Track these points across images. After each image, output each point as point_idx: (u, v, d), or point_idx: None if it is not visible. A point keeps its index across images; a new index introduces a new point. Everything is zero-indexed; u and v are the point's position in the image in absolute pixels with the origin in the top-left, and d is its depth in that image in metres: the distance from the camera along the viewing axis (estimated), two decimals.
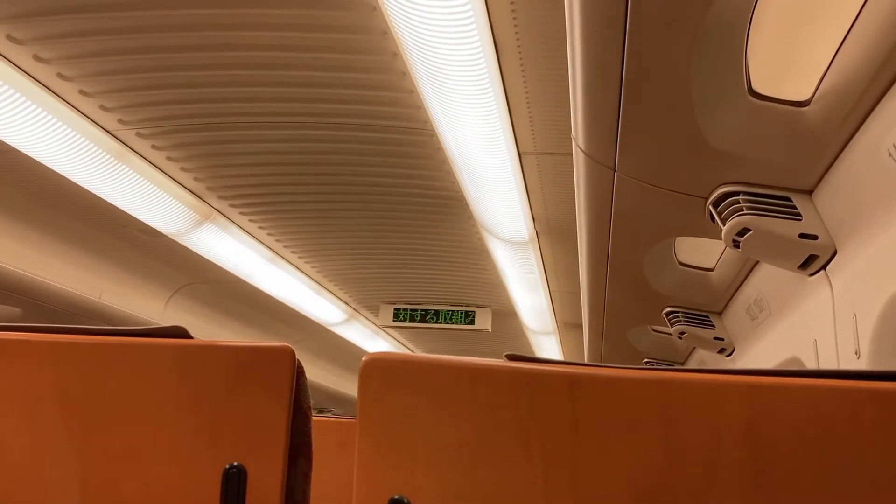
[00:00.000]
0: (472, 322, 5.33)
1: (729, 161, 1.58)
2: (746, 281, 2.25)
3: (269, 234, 4.06)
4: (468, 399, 0.67)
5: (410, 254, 4.42)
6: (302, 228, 4.01)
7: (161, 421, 0.79)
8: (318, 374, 6.60)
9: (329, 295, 5.05)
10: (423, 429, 0.68)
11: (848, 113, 1.33)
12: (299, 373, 0.83)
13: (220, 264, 4.14)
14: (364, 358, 0.71)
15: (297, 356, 0.82)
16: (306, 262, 4.51)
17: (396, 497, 0.67)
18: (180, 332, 0.83)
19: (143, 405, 0.80)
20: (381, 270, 4.71)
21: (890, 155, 1.26)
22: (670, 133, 1.54)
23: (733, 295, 2.38)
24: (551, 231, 3.93)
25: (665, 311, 2.64)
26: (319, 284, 4.87)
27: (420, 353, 0.68)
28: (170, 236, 3.73)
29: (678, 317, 2.63)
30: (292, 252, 4.32)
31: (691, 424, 0.61)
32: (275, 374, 0.80)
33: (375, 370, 0.70)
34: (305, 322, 5.36)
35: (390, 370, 0.70)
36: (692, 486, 0.59)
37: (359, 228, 4.02)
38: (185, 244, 3.83)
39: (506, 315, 5.43)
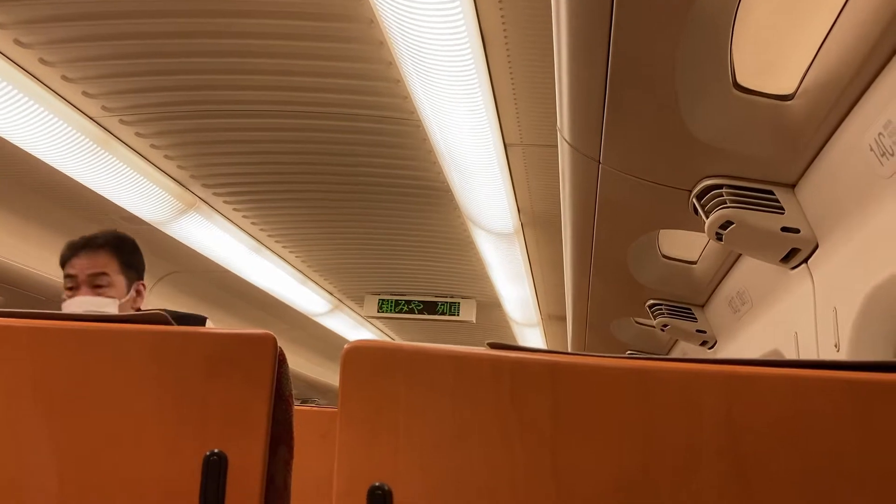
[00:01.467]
0: (456, 313, 5.34)
1: (713, 154, 1.58)
2: (729, 274, 2.26)
3: (253, 224, 4.04)
4: (450, 387, 0.67)
5: (395, 244, 4.41)
6: (287, 218, 3.99)
7: (141, 408, 0.79)
8: (301, 363, 6.59)
9: (313, 285, 5.04)
10: (405, 416, 0.68)
11: (831, 107, 1.34)
12: (281, 360, 0.83)
13: (203, 253, 4.12)
14: (346, 346, 0.71)
15: (280, 346, 0.82)
16: (291, 252, 4.49)
17: (377, 484, 0.67)
18: (160, 319, 0.82)
19: (122, 392, 0.79)
20: (366, 261, 4.70)
21: (871, 149, 1.27)
22: (655, 125, 1.55)
23: (716, 288, 2.40)
24: (536, 223, 3.94)
25: (648, 303, 2.65)
26: (304, 274, 4.86)
27: (403, 341, 0.68)
28: (153, 225, 3.70)
29: (661, 309, 2.64)
30: (276, 241, 4.30)
31: (671, 413, 0.61)
32: (256, 362, 0.80)
33: (357, 358, 0.70)
34: (290, 312, 5.35)
35: (372, 358, 0.70)
36: (672, 473, 0.60)
37: (344, 218, 4.01)
38: (168, 233, 3.80)
39: (490, 306, 5.45)
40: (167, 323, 0.82)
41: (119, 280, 1.78)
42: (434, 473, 0.66)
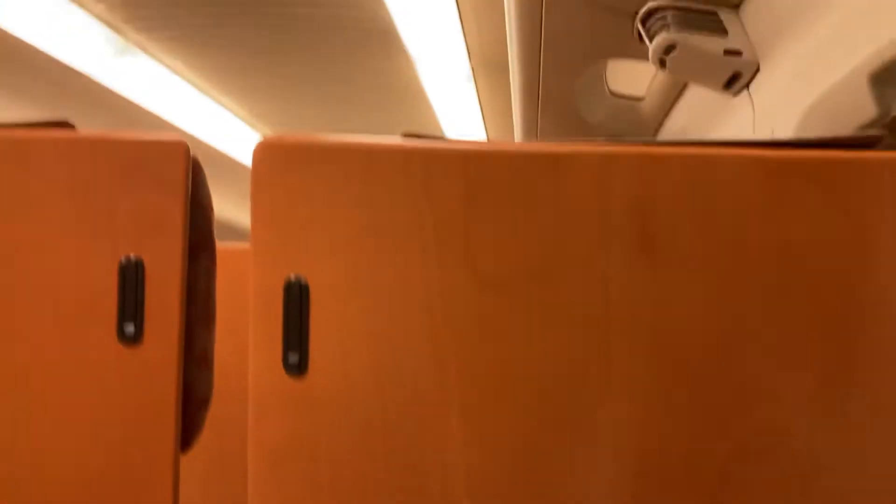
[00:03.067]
0: None
1: None
2: (674, 108, 2.25)
3: (191, 70, 3.88)
4: (362, 178, 0.66)
5: (342, 92, 4.30)
6: (227, 64, 3.84)
7: (50, 216, 0.76)
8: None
9: (258, 137, 4.93)
10: (318, 210, 0.67)
11: None
12: (196, 169, 0.80)
13: (140, 104, 3.98)
14: (257, 142, 0.69)
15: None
16: (234, 101, 4.36)
17: (293, 278, 0.67)
18: (65, 125, 0.78)
19: (29, 200, 0.76)
20: (312, 110, 4.59)
21: None
22: None
23: (662, 122, 2.39)
24: (488, 67, 3.84)
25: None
26: (248, 125, 4.74)
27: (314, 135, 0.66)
28: (86, 74, 3.53)
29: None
30: (218, 91, 4.16)
31: (582, 196, 0.61)
32: (168, 168, 0.77)
33: (268, 153, 0.68)
34: (233, 164, 5.25)
35: (284, 152, 0.68)
36: (582, 253, 0.60)
37: (287, 64, 3.87)
38: (102, 82, 3.64)
39: None
40: (72, 128, 0.78)
41: None
42: (349, 264, 0.66)
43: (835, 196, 0.63)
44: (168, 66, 3.75)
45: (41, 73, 3.57)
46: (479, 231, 0.62)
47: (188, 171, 0.78)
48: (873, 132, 0.67)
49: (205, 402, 0.83)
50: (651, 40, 1.67)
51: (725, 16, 1.58)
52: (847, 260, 0.64)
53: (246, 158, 5.15)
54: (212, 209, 0.84)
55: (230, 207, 5.32)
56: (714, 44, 1.59)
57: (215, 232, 0.86)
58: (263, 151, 0.68)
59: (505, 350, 0.65)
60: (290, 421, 0.67)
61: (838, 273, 0.64)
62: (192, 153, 0.79)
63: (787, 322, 0.64)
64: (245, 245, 1.65)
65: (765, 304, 0.64)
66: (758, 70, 1.59)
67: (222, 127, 4.51)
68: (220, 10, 3.26)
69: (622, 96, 2.50)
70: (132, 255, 0.75)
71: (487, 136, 4.82)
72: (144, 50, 3.55)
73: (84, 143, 0.78)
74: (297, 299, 0.66)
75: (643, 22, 1.67)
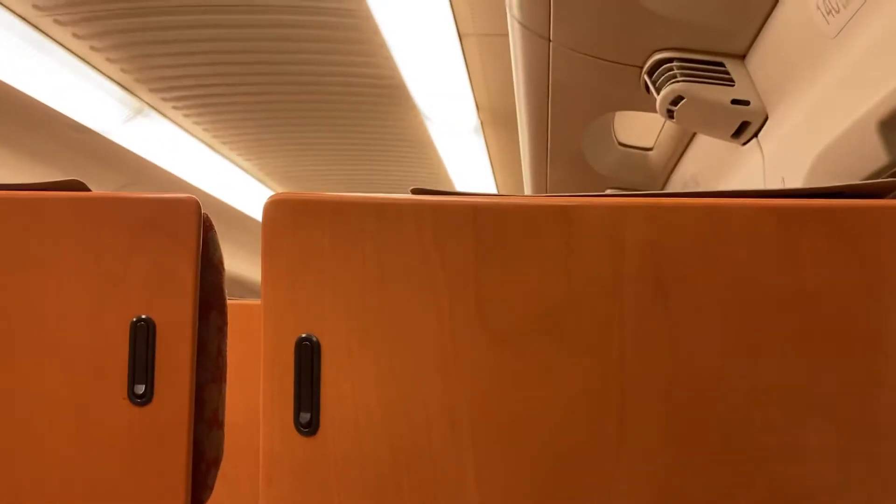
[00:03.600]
0: None
1: (663, 25, 1.55)
2: (683, 157, 2.26)
3: (205, 130, 3.94)
4: (373, 233, 0.66)
5: (350, 147, 4.34)
6: (238, 123, 3.90)
7: (62, 276, 0.76)
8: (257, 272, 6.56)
9: (270, 193, 4.97)
10: (329, 266, 0.66)
11: None
12: (207, 226, 0.81)
13: (155, 163, 4.03)
14: (268, 198, 0.69)
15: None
16: (246, 159, 4.41)
17: (304, 336, 0.66)
18: (78, 186, 0.79)
19: (41, 261, 0.77)
20: (322, 166, 4.63)
21: (818, 8, 1.24)
22: None
23: (671, 172, 2.40)
24: (496, 120, 3.88)
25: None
26: (260, 182, 4.79)
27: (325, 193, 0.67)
28: (100, 133, 3.59)
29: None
30: (230, 148, 4.21)
31: (593, 246, 0.61)
32: (180, 226, 0.77)
33: (279, 210, 0.68)
34: (247, 221, 5.29)
35: (294, 209, 0.68)
36: (594, 301, 0.59)
37: (297, 121, 3.92)
38: (116, 141, 3.70)
39: None
40: (85, 190, 0.79)
41: None
42: (361, 319, 0.65)
43: (850, 244, 0.62)
44: (179, 125, 3.81)
45: (55, 132, 3.63)
46: (490, 284, 0.62)
47: (199, 228, 0.78)
48: (886, 180, 0.67)
49: (215, 463, 0.81)
50: (658, 92, 1.68)
51: (732, 66, 1.60)
52: (865, 308, 0.63)
53: (256, 213, 5.19)
54: (223, 267, 0.84)
55: (239, 263, 5.34)
56: (721, 94, 1.60)
57: (225, 287, 0.86)
58: (274, 207, 0.69)
59: (519, 405, 0.64)
60: (303, 481, 0.66)
61: (856, 321, 0.63)
62: (203, 211, 0.80)
63: (805, 372, 0.63)
64: (255, 301, 1.65)
65: (782, 354, 0.63)
66: (766, 119, 1.60)
67: (233, 183, 4.56)
68: (230, 69, 3.32)
69: (631, 147, 2.51)
70: (143, 315, 0.75)
71: (497, 187, 4.85)
72: (157, 109, 3.61)
73: (96, 203, 0.78)
74: (308, 357, 0.66)
75: (650, 74, 1.69)
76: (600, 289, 0.60)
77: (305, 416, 0.66)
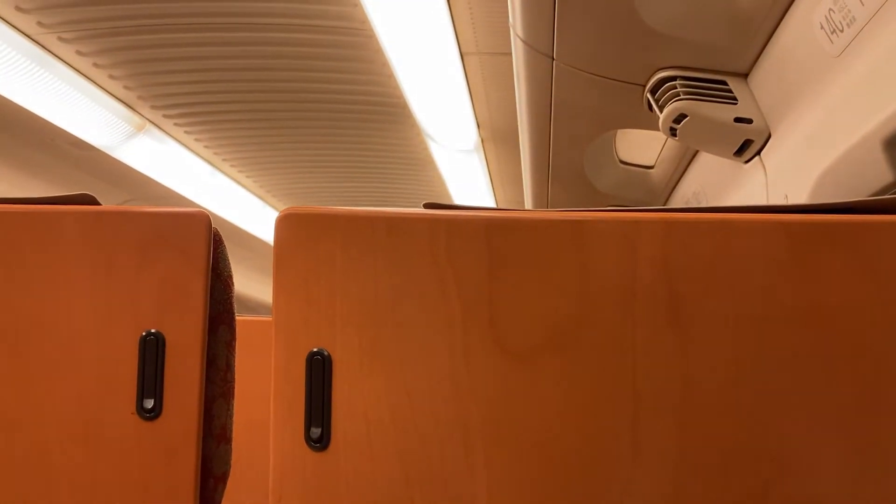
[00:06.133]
0: None
1: (666, 43, 1.56)
2: (685, 175, 2.27)
3: (206, 147, 3.94)
4: (385, 248, 0.66)
5: (352, 165, 4.35)
6: (240, 140, 3.90)
7: (72, 289, 0.76)
8: (262, 291, 6.56)
9: (271, 211, 4.98)
10: (341, 281, 0.66)
11: None
12: (217, 241, 0.81)
13: (156, 179, 4.03)
14: (279, 213, 0.69)
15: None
16: (247, 177, 4.42)
17: (316, 350, 0.66)
18: (88, 199, 0.79)
19: (52, 275, 0.76)
20: (323, 183, 4.64)
21: (822, 27, 1.25)
22: (607, 14, 1.51)
23: (673, 190, 2.40)
24: (496, 137, 3.90)
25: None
26: (261, 199, 4.79)
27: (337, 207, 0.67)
28: (103, 150, 3.60)
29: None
30: (231, 166, 4.22)
31: (606, 261, 0.61)
32: (190, 240, 0.77)
33: (291, 224, 0.68)
34: (249, 239, 5.29)
35: (306, 223, 0.68)
36: (608, 316, 0.59)
37: (299, 138, 3.93)
38: (118, 158, 3.70)
39: None
40: (96, 203, 0.79)
41: None
42: (373, 333, 0.65)
43: (862, 260, 0.62)
44: (181, 142, 3.82)
45: (56, 148, 3.64)
46: (503, 300, 0.62)
47: (210, 243, 0.78)
48: (895, 196, 0.67)
49: (223, 478, 0.81)
50: (661, 110, 1.69)
51: (735, 84, 1.61)
52: (878, 324, 0.63)
53: (257, 231, 5.19)
54: (232, 281, 0.83)
55: (240, 280, 5.33)
56: (724, 112, 1.61)
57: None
58: (286, 222, 0.69)
59: (531, 422, 0.64)
60: (313, 496, 0.65)
61: (869, 337, 0.62)
62: (213, 226, 0.80)
63: (819, 388, 0.63)
64: (261, 318, 1.65)
65: (795, 370, 0.63)
66: (769, 137, 1.61)
67: (234, 200, 4.56)
68: (232, 86, 3.33)
69: (632, 164, 2.52)
70: (153, 330, 0.75)
71: (497, 204, 4.85)
72: (158, 126, 3.62)
73: (107, 217, 0.78)
74: (319, 371, 0.66)
75: (653, 92, 1.70)
76: (613, 304, 0.60)
77: (316, 431, 0.65)
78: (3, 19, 2.62)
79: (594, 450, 0.64)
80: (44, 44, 2.82)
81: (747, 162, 1.74)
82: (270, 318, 1.76)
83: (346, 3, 2.62)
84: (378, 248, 0.66)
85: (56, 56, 2.89)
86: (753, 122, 1.61)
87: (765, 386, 0.63)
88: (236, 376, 0.88)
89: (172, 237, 0.77)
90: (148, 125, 3.54)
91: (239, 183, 4.45)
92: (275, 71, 3.18)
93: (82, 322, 0.76)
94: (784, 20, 1.38)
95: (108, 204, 0.82)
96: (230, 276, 0.83)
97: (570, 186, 2.61)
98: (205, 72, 3.18)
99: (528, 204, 3.12)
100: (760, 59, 1.52)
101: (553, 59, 1.74)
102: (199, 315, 0.76)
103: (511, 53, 2.04)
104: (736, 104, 1.61)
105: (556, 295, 0.61)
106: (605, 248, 0.61)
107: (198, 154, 3.97)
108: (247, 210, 4.75)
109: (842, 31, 1.21)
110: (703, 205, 2.18)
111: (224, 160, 4.13)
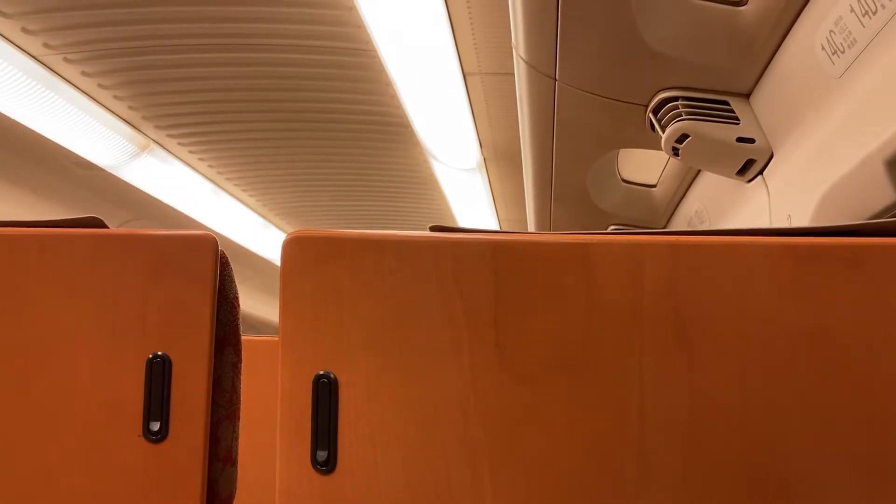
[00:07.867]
0: None
1: (668, 65, 1.57)
2: (687, 194, 2.27)
3: (210, 166, 3.96)
4: (392, 271, 0.66)
5: (355, 184, 4.36)
6: (244, 159, 3.92)
7: (79, 312, 0.76)
8: (265, 310, 6.57)
9: (275, 230, 4.99)
10: (348, 303, 0.66)
11: (783, 8, 1.32)
12: (224, 263, 0.81)
13: (160, 198, 4.04)
14: (286, 236, 0.69)
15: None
16: (250, 196, 4.43)
17: (322, 373, 0.66)
18: (96, 223, 0.79)
19: (59, 297, 0.77)
20: (327, 202, 4.65)
21: (823, 48, 1.26)
22: (609, 36, 1.53)
23: (675, 209, 2.41)
24: (499, 157, 3.91)
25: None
26: (265, 218, 4.80)
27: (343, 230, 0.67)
28: (107, 169, 3.61)
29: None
30: (235, 185, 4.24)
31: (614, 285, 0.61)
32: (197, 263, 0.78)
33: (298, 247, 0.68)
34: (251, 258, 5.30)
35: (313, 247, 0.68)
36: (614, 339, 0.59)
37: (303, 158, 3.95)
38: (122, 178, 3.72)
39: None
40: (103, 227, 0.80)
41: None
42: (379, 356, 0.65)
43: (867, 282, 0.63)
44: (185, 161, 3.83)
45: (60, 168, 3.65)
46: (510, 322, 0.62)
47: (216, 265, 0.78)
48: None
49: (229, 500, 0.81)
50: (664, 130, 1.70)
51: (737, 104, 1.62)
52: (884, 346, 0.63)
53: (260, 249, 5.20)
54: (238, 303, 0.84)
55: (243, 298, 5.34)
56: (726, 132, 1.61)
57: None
58: (293, 244, 0.69)
59: (538, 444, 0.64)
60: None
61: (877, 360, 0.62)
62: (219, 248, 0.80)
63: (826, 411, 0.63)
64: (266, 337, 1.65)
65: (803, 393, 0.63)
66: (771, 157, 1.61)
67: (238, 219, 4.57)
68: (236, 106, 3.35)
69: (635, 183, 2.53)
70: (159, 352, 0.75)
71: (499, 223, 4.86)
72: (163, 146, 3.64)
73: (113, 240, 0.79)
74: (326, 394, 0.66)
75: (655, 112, 1.71)
76: (619, 326, 0.60)
77: (323, 455, 0.65)
78: (10, 40, 2.64)
79: (601, 472, 0.64)
80: (49, 65, 2.84)
81: (750, 181, 1.74)
82: (275, 338, 1.77)
83: (350, 25, 2.64)
84: (385, 272, 0.66)
85: (61, 77, 2.92)
86: (756, 142, 1.61)
87: (771, 408, 0.63)
88: (242, 397, 0.88)
89: (179, 260, 0.78)
90: (152, 145, 3.56)
91: (242, 202, 4.47)
92: (279, 91, 3.21)
93: (89, 344, 0.76)
94: (785, 41, 1.39)
95: (111, 223, 0.82)
96: (236, 298, 0.83)
97: (573, 205, 2.61)
98: (209, 92, 3.20)
99: (531, 222, 3.13)
100: (762, 79, 1.53)
101: (555, 79, 1.75)
102: (205, 338, 0.76)
103: (513, 74, 2.05)
104: (738, 124, 1.62)
105: (563, 317, 0.61)
106: (611, 270, 0.61)
107: (201, 173, 3.99)
108: (250, 229, 4.76)
109: (843, 52, 1.22)
110: (706, 223, 2.18)
111: (227, 179, 4.15)
